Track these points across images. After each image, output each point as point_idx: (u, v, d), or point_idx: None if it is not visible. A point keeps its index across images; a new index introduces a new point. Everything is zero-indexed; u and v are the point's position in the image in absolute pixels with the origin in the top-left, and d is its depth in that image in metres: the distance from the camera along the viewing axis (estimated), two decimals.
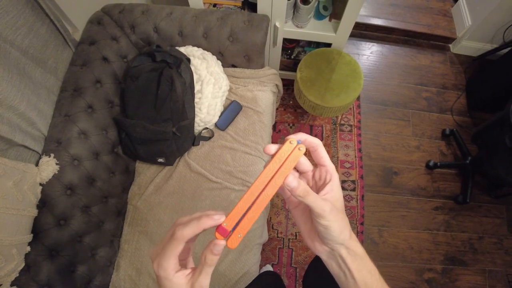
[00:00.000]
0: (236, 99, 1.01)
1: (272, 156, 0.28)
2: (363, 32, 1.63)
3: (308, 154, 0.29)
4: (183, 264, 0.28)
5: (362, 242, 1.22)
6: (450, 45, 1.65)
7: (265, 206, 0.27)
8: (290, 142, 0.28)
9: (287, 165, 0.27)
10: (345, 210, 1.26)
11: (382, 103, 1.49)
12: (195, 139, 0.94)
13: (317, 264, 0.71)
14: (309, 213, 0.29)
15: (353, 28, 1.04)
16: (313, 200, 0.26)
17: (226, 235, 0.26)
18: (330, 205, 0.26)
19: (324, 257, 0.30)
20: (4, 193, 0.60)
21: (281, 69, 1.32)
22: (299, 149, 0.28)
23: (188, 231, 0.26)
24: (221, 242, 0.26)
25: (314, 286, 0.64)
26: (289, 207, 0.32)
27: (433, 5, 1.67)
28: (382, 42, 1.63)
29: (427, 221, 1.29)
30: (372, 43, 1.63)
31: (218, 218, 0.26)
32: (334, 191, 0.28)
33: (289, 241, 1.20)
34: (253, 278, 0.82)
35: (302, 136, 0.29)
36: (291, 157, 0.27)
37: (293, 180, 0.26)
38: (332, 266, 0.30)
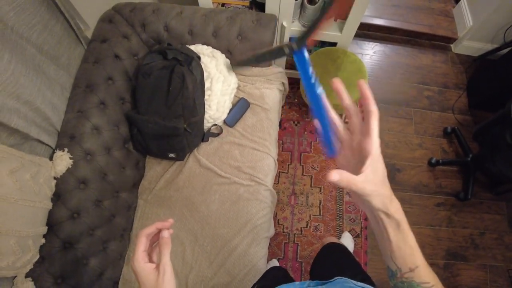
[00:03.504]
0: (244, 96, 1.03)
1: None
2: (366, 32, 1.66)
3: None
4: (151, 261, 0.39)
5: (366, 237, 1.24)
6: (452, 45, 1.67)
7: None
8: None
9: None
10: (350, 206, 1.29)
11: (384, 101, 1.51)
12: (204, 135, 0.96)
13: (323, 257, 0.73)
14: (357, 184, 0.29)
15: (357, 28, 1.06)
16: (355, 186, 0.27)
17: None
18: (369, 185, 0.28)
19: (367, 214, 0.32)
20: (22, 186, 0.62)
21: (287, 68, 1.34)
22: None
23: (145, 229, 0.38)
24: (167, 231, 0.38)
25: (321, 278, 0.66)
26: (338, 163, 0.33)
27: (435, 5, 1.70)
28: (384, 42, 1.66)
29: (429, 217, 1.31)
30: (375, 43, 1.65)
31: (169, 221, 0.38)
32: (372, 165, 0.28)
33: (295, 236, 1.22)
34: (261, 272, 0.83)
35: (367, 94, 0.29)
36: None
37: (334, 175, 0.27)
38: (373, 223, 0.32)
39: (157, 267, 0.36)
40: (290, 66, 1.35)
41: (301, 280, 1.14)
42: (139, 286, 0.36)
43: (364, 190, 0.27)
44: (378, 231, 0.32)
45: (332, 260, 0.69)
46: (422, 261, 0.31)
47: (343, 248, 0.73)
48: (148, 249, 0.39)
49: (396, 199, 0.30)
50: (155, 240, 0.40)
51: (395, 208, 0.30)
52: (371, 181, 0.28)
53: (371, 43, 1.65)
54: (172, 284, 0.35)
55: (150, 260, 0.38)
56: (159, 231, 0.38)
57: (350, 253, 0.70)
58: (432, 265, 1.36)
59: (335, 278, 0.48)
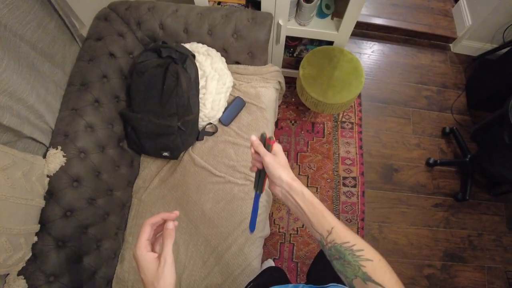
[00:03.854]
0: (240, 95, 1.03)
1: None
2: (364, 31, 1.65)
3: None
4: (153, 250, 0.39)
5: (362, 237, 1.23)
6: (451, 45, 1.66)
7: None
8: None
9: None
10: (346, 206, 1.28)
11: (383, 101, 1.50)
12: (199, 134, 0.96)
13: (321, 260, 0.73)
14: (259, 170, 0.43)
15: (355, 27, 1.06)
16: (262, 150, 0.41)
17: None
18: (272, 156, 0.40)
19: (280, 197, 0.41)
20: (14, 183, 0.61)
21: (283, 66, 1.34)
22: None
23: (151, 218, 0.38)
24: (171, 222, 0.38)
25: (316, 283, 0.65)
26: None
27: (434, 5, 1.69)
28: (383, 41, 1.65)
29: (427, 218, 1.30)
30: (373, 42, 1.64)
31: (175, 213, 0.39)
32: (275, 150, 0.42)
33: (291, 236, 1.22)
34: (255, 272, 0.83)
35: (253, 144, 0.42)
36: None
37: (253, 136, 0.42)
38: (287, 204, 0.41)
39: (159, 257, 0.36)
40: (286, 65, 1.35)
41: (296, 281, 1.14)
42: (140, 275, 0.36)
43: (268, 158, 0.40)
44: (293, 207, 0.40)
45: (328, 265, 0.69)
46: (336, 222, 0.36)
47: None
48: (152, 238, 0.39)
49: (300, 182, 0.40)
50: (159, 231, 0.40)
51: (300, 185, 0.39)
52: (274, 158, 0.40)
53: (369, 42, 1.64)
54: (172, 275, 0.35)
55: (153, 250, 0.38)
56: (164, 221, 0.39)
57: None
58: (429, 266, 1.34)
59: (329, 284, 0.47)
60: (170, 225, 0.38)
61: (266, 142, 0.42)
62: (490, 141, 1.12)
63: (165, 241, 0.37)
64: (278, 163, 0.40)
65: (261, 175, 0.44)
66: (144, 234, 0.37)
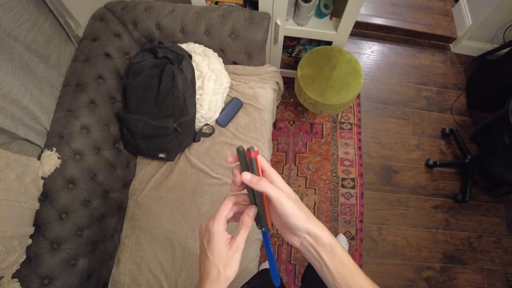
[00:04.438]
0: (237, 96, 1.02)
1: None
2: (364, 31, 1.64)
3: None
4: None
5: (361, 239, 1.23)
6: (451, 45, 1.65)
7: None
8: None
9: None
10: (345, 207, 1.27)
11: (382, 101, 1.49)
12: (196, 135, 0.95)
13: None
14: (275, 213, 0.33)
15: (354, 27, 1.05)
16: (270, 189, 0.30)
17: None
18: (284, 194, 0.31)
19: (298, 246, 0.33)
20: (7, 186, 0.61)
21: (282, 67, 1.33)
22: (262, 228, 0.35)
23: (234, 196, 0.34)
24: (254, 206, 0.33)
25: (313, 284, 0.64)
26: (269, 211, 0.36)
27: (434, 4, 1.68)
28: (382, 41, 1.64)
29: (426, 220, 1.29)
30: (373, 42, 1.63)
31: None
32: (281, 186, 0.32)
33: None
34: (252, 274, 0.82)
35: (242, 178, 0.32)
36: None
37: (247, 174, 0.31)
38: (307, 255, 0.33)
39: (232, 241, 0.33)
40: (285, 65, 1.34)
41: (294, 283, 1.13)
42: (203, 252, 0.32)
43: (278, 196, 0.30)
44: (314, 260, 0.32)
45: None
46: (366, 282, 0.30)
47: None
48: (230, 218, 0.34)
49: (322, 225, 0.32)
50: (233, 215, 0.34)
51: (322, 231, 0.31)
52: (286, 193, 0.31)
53: (369, 42, 1.63)
54: (238, 265, 0.32)
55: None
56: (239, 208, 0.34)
57: None
58: (428, 268, 1.33)
59: None
60: (251, 213, 0.33)
61: (246, 157, 0.31)
62: (490, 142, 1.11)
63: (241, 229, 0.32)
64: (298, 207, 0.31)
65: (259, 205, 0.33)
66: (224, 210, 0.32)
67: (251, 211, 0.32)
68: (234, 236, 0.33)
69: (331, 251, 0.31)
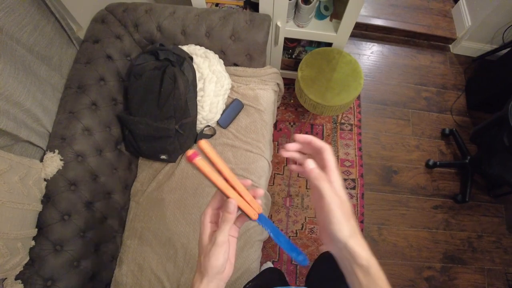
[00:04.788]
0: (238, 97, 1.02)
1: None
2: (363, 32, 1.65)
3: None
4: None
5: None
6: (450, 46, 1.66)
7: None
8: (258, 207, 0.33)
9: (244, 203, 0.33)
10: None
11: (382, 102, 1.50)
12: (197, 137, 0.96)
13: (320, 264, 0.72)
14: (322, 214, 0.31)
15: (354, 28, 1.05)
16: (325, 185, 0.30)
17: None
18: (338, 201, 0.29)
19: (334, 254, 0.32)
20: (10, 188, 0.61)
21: (282, 68, 1.33)
22: (254, 214, 0.33)
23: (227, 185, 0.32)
24: (234, 202, 0.31)
25: (317, 286, 0.65)
26: (311, 197, 0.35)
27: (433, 5, 1.68)
28: (382, 42, 1.64)
29: (426, 220, 1.30)
30: (372, 43, 1.64)
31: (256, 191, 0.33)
32: (336, 187, 0.31)
33: (290, 238, 1.21)
34: (254, 275, 0.82)
35: (307, 138, 0.33)
36: (248, 206, 0.33)
37: (311, 163, 0.31)
38: (342, 268, 0.32)
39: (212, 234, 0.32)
40: (285, 66, 1.34)
41: (296, 284, 1.14)
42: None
43: (332, 197, 0.29)
44: (347, 273, 0.31)
45: (329, 270, 0.68)
46: None
47: None
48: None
49: (363, 242, 0.30)
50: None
51: (366, 251, 0.30)
52: (340, 199, 0.30)
53: (368, 43, 1.64)
54: (220, 258, 0.30)
55: (217, 221, 0.33)
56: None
57: None
58: (429, 268, 1.34)
59: None
60: (231, 207, 0.30)
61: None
62: (489, 143, 1.11)
63: (221, 225, 0.31)
64: (343, 214, 0.29)
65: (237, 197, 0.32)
66: (213, 202, 0.33)
67: (229, 207, 0.31)
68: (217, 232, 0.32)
69: (366, 271, 0.29)
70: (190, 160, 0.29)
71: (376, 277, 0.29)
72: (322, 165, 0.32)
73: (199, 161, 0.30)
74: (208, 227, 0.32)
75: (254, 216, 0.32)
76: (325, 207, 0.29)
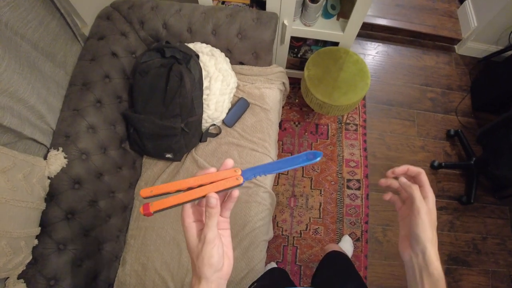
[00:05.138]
0: (244, 96, 1.01)
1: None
2: (369, 32, 1.64)
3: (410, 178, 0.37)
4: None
5: (366, 241, 1.22)
6: (456, 46, 1.65)
7: (188, 199, 0.30)
8: (235, 171, 0.31)
9: (223, 183, 0.30)
10: (351, 209, 1.27)
11: (387, 103, 1.49)
12: (202, 136, 0.94)
13: (326, 264, 0.71)
14: (410, 221, 0.34)
15: (359, 28, 1.04)
16: (417, 194, 0.33)
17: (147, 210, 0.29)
18: (427, 208, 0.33)
19: (406, 260, 0.34)
20: (14, 185, 0.60)
21: (287, 67, 1.32)
22: (237, 179, 0.31)
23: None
24: (213, 195, 0.29)
25: (324, 286, 0.64)
26: (399, 216, 0.38)
27: (439, 6, 1.68)
28: (387, 42, 1.63)
29: None
30: (377, 43, 1.63)
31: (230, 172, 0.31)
32: (429, 203, 0.34)
33: (294, 239, 1.20)
34: (258, 276, 0.82)
35: (405, 167, 0.36)
36: (228, 181, 0.31)
37: (404, 179, 0.35)
38: (408, 272, 0.34)
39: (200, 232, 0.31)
40: (290, 65, 1.33)
41: (300, 284, 1.13)
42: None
43: (422, 203, 0.32)
44: (413, 281, 0.33)
45: (334, 270, 0.68)
46: None
47: (345, 258, 0.72)
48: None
49: (438, 256, 0.32)
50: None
51: (436, 260, 0.31)
52: (428, 208, 0.33)
53: (374, 43, 1.63)
54: (215, 255, 0.29)
55: (201, 218, 0.32)
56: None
57: (352, 264, 0.70)
58: None
59: None
60: (213, 201, 0.29)
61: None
62: (496, 144, 1.11)
63: (207, 221, 0.29)
64: (430, 223, 0.32)
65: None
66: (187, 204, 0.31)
67: (210, 201, 0.29)
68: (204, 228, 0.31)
69: (435, 282, 0.31)
70: (148, 214, 0.29)
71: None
72: (418, 185, 0.35)
73: (154, 205, 0.29)
74: (193, 227, 0.31)
75: (239, 181, 0.30)
76: (414, 211, 0.32)
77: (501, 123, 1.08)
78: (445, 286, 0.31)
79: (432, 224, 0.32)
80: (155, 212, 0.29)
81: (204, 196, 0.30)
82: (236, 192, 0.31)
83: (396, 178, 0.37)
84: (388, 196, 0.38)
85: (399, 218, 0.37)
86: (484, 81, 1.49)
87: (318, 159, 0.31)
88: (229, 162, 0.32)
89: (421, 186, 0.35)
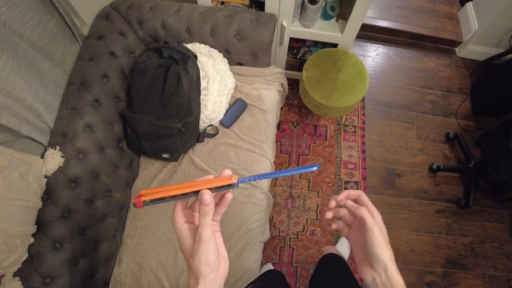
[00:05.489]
0: (242, 97, 1.01)
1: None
2: (369, 33, 1.63)
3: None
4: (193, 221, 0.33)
5: None
6: (456, 49, 1.64)
7: (179, 193, 0.30)
8: (232, 177, 0.31)
9: (216, 182, 0.30)
10: None
11: (386, 105, 1.49)
12: (199, 136, 0.95)
13: (323, 266, 0.71)
14: (363, 243, 0.35)
15: (359, 30, 1.04)
16: (368, 217, 0.34)
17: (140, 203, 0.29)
18: (378, 227, 0.34)
19: (369, 282, 0.34)
20: (10, 184, 0.60)
21: (286, 68, 1.32)
22: (231, 178, 0.31)
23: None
24: (206, 191, 0.29)
25: None
26: (350, 241, 0.39)
27: (440, 8, 1.67)
28: (388, 44, 1.63)
29: (429, 224, 1.28)
30: (378, 45, 1.62)
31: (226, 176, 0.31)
32: (378, 222, 0.35)
33: (291, 240, 1.20)
34: (254, 277, 0.82)
35: (345, 193, 0.37)
36: (222, 180, 0.31)
37: (351, 202, 0.36)
38: None
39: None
40: (289, 67, 1.33)
41: (296, 285, 1.13)
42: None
43: (372, 223, 0.33)
44: None
45: (331, 273, 0.68)
46: None
47: (341, 261, 0.72)
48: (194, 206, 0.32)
49: (398, 271, 0.33)
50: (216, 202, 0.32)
51: (397, 276, 0.32)
52: (381, 234, 0.34)
53: (374, 44, 1.62)
54: (211, 254, 0.29)
55: (192, 220, 0.32)
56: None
57: (348, 267, 0.70)
58: (430, 273, 1.32)
59: None
60: (206, 198, 0.28)
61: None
62: (495, 147, 1.10)
63: (201, 219, 0.29)
64: (384, 236, 0.33)
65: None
66: (180, 202, 0.31)
67: (204, 198, 0.29)
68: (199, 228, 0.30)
69: None
70: (140, 204, 0.29)
71: None
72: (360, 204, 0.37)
73: (147, 196, 0.29)
74: (185, 229, 0.31)
75: (234, 180, 0.30)
76: (368, 231, 0.33)
77: (500, 126, 1.07)
78: None
79: (386, 241, 0.33)
80: (147, 203, 0.29)
81: (197, 192, 0.29)
82: (229, 195, 0.31)
83: (339, 206, 0.38)
84: (335, 224, 0.39)
85: (351, 243, 0.38)
86: (484, 84, 1.48)
87: (315, 168, 0.32)
88: (227, 172, 0.32)
89: (368, 207, 0.36)
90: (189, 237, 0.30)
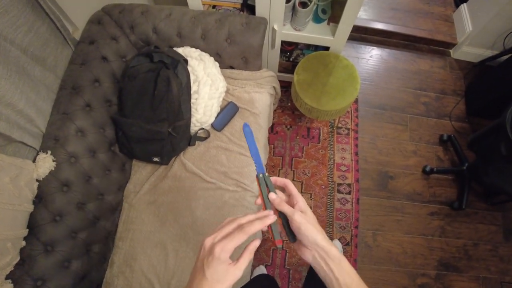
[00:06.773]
0: (233, 100, 1.02)
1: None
2: (363, 35, 1.63)
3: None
4: None
5: (356, 245, 1.23)
6: (451, 51, 1.64)
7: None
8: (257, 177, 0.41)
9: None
10: (341, 213, 1.27)
11: (380, 107, 1.49)
12: (191, 139, 0.95)
13: (315, 274, 0.71)
14: (298, 232, 0.38)
15: (353, 32, 1.05)
16: (287, 208, 0.38)
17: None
18: (300, 213, 0.37)
19: (311, 261, 0.38)
20: (0, 189, 0.61)
21: (280, 71, 1.33)
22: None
23: (256, 227, 0.35)
24: (257, 242, 0.36)
25: None
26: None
27: (434, 10, 1.67)
28: (382, 46, 1.63)
29: (422, 226, 1.29)
30: (372, 47, 1.63)
31: (273, 218, 0.37)
32: (301, 207, 0.39)
33: (284, 242, 1.21)
34: (245, 280, 0.82)
35: (272, 179, 0.41)
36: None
37: (273, 194, 0.40)
38: (318, 269, 0.38)
39: (232, 264, 0.33)
40: (283, 69, 1.34)
41: (288, 287, 1.13)
42: (199, 263, 0.34)
43: (294, 213, 0.37)
44: (324, 274, 0.37)
45: (322, 284, 0.68)
46: None
47: None
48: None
49: (331, 242, 0.37)
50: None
51: (332, 247, 0.36)
52: (302, 214, 0.38)
53: (368, 46, 1.62)
54: (230, 285, 0.32)
55: None
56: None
57: None
58: (423, 275, 1.33)
59: None
60: (257, 243, 0.36)
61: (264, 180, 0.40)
62: (486, 151, 1.10)
63: (245, 256, 0.35)
64: (310, 223, 0.37)
65: (284, 218, 0.39)
66: (238, 243, 0.33)
67: (256, 242, 0.36)
68: (237, 262, 0.34)
69: (339, 263, 0.36)
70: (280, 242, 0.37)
71: (348, 270, 0.36)
72: (289, 195, 0.41)
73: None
74: (227, 262, 0.33)
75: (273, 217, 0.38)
76: (292, 221, 0.37)
77: (491, 129, 1.07)
78: (347, 262, 0.37)
79: (314, 223, 0.38)
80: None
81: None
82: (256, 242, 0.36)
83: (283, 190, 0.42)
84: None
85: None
86: (478, 86, 1.48)
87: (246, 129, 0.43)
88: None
89: (290, 195, 0.40)
90: (226, 269, 0.33)
